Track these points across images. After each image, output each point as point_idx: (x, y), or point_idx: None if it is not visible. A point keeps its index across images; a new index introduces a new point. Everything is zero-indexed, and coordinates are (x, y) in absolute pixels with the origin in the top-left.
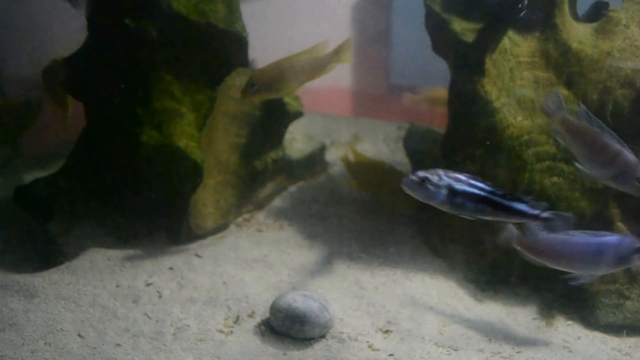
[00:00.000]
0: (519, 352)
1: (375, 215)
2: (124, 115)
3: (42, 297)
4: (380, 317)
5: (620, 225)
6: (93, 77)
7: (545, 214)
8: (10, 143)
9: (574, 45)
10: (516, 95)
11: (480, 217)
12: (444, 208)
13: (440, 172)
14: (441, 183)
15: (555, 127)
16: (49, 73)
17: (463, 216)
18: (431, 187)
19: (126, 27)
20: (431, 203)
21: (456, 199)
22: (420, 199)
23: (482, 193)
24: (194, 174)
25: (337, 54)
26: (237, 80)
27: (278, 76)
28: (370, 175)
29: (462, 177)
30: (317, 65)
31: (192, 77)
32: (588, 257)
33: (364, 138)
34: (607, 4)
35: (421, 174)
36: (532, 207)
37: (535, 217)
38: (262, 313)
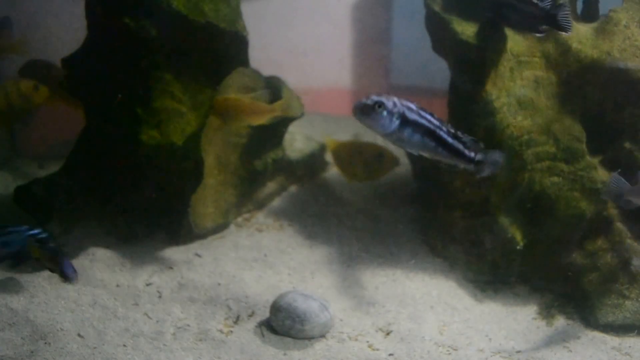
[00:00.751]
0: (518, 352)
1: (375, 215)
2: (124, 114)
3: (42, 297)
4: (380, 317)
5: (619, 225)
6: (93, 76)
7: (477, 157)
8: (15, 123)
9: (574, 45)
10: (516, 95)
11: (422, 152)
12: (390, 139)
13: (394, 98)
14: (395, 110)
15: (626, 201)
16: (26, 72)
17: (406, 149)
18: (385, 114)
19: (126, 27)
20: (378, 131)
21: (405, 130)
22: (368, 126)
23: (430, 126)
24: (194, 173)
25: (281, 107)
26: (236, 80)
27: (226, 110)
28: (350, 153)
29: (412, 106)
30: (259, 113)
31: (192, 77)
32: None
33: (364, 138)
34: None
35: (375, 98)
36: (468, 148)
37: (470, 161)
38: (262, 313)
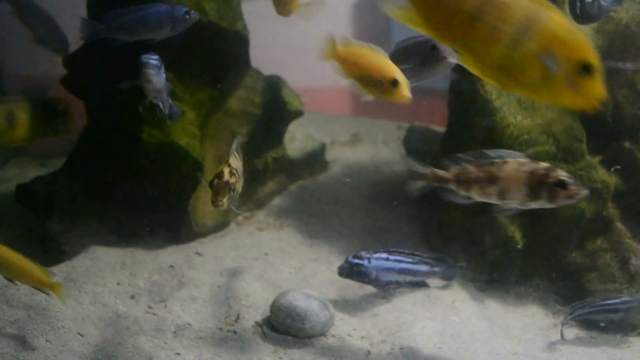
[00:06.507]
0: (518, 352)
1: (375, 214)
2: (124, 113)
3: (43, 295)
4: (380, 316)
5: (618, 225)
6: (94, 75)
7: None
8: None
9: None
10: (516, 95)
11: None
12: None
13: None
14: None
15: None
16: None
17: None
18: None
19: None
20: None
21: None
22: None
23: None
24: (195, 172)
25: None
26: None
27: None
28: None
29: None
30: None
31: (193, 76)
32: None
33: (364, 138)
34: None
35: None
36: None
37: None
38: (263, 311)
